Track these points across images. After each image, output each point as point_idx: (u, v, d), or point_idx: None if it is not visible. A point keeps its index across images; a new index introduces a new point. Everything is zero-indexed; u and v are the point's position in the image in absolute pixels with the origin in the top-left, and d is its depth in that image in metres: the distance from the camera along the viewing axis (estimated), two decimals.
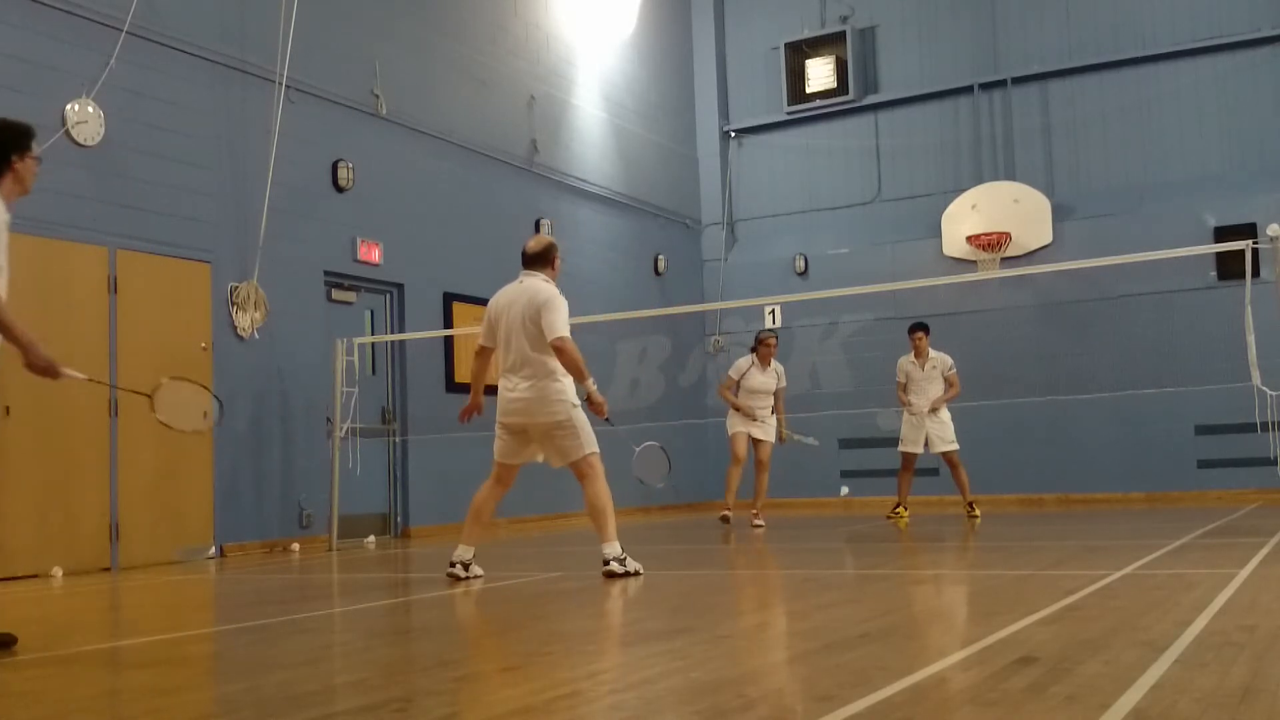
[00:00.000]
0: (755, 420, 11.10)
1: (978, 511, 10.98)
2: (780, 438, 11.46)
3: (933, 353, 11.08)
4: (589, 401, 6.70)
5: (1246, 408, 8.59)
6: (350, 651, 4.52)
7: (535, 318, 6.54)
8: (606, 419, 6.78)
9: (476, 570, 6.81)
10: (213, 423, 6.14)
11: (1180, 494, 13.54)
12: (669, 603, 5.59)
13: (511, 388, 6.68)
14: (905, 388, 11.08)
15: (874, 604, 5.22)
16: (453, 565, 6.76)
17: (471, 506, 6.89)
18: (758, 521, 11.07)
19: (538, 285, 6.72)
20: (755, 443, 11.22)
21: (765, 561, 8.07)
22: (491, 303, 6.92)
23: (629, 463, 7.32)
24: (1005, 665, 3.37)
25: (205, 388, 5.93)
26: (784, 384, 11.36)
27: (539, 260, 6.83)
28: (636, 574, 6.51)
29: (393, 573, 8.38)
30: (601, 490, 6.62)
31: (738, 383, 11.19)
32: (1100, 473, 14.10)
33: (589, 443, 6.62)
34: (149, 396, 5.27)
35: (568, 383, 6.60)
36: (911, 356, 11.11)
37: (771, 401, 11.25)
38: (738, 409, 11.13)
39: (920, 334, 11.11)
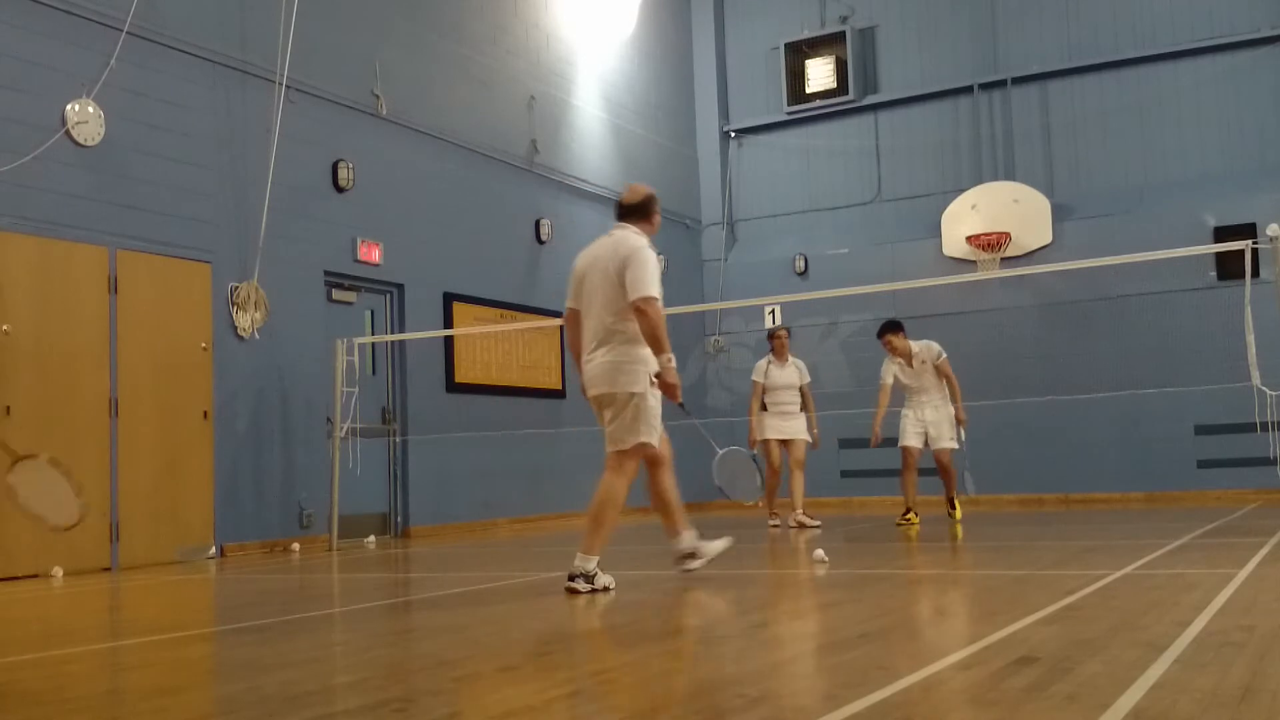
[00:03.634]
0: (779, 422, 10.71)
1: (959, 513, 10.47)
2: (813, 441, 10.93)
3: (916, 346, 10.21)
4: (660, 379, 5.80)
5: (1246, 408, 8.59)
6: (351, 651, 4.52)
7: (620, 272, 5.77)
8: (680, 404, 5.94)
9: (604, 580, 5.80)
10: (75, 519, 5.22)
11: (1180, 494, 13.54)
12: (669, 602, 5.59)
13: (590, 358, 5.90)
14: (887, 392, 10.34)
15: (874, 604, 5.22)
16: (570, 578, 5.77)
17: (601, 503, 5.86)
18: (812, 522, 10.63)
19: (626, 236, 5.97)
20: (786, 444, 10.77)
21: (765, 561, 8.07)
22: (577, 260, 6.14)
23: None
24: (1005, 665, 3.37)
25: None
26: (808, 379, 10.95)
27: (634, 212, 6.12)
28: (606, 590, 5.71)
29: (393, 573, 8.38)
30: (620, 491, 5.74)
31: (763, 385, 10.74)
32: (1100, 473, 14.11)
33: (646, 433, 5.75)
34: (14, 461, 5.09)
35: (649, 356, 5.79)
36: (894, 357, 10.30)
37: (796, 398, 10.83)
38: (753, 416, 10.69)
39: (890, 336, 10.20)
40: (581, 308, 6.03)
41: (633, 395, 5.78)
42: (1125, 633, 3.89)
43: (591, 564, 5.73)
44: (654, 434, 5.85)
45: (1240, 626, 3.94)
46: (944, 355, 10.22)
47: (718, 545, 6.31)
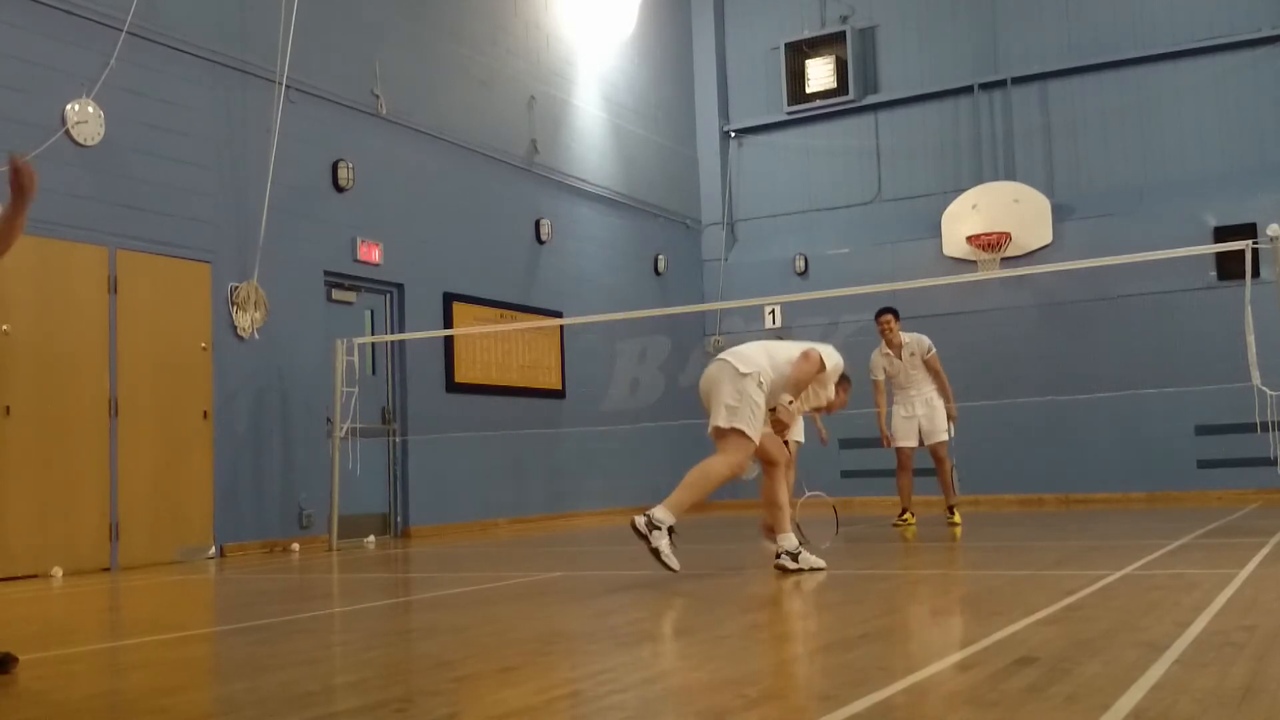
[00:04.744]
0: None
1: (958, 518, 10.16)
2: (822, 438, 10.93)
3: (907, 337, 10.05)
4: (773, 411, 6.33)
5: (1246, 408, 8.60)
6: (350, 652, 4.52)
7: (805, 351, 6.38)
8: (785, 441, 6.54)
9: (665, 545, 6.08)
10: None
11: (1180, 494, 13.54)
12: (669, 603, 5.59)
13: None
14: (881, 389, 10.23)
15: (874, 604, 5.22)
16: (778, 556, 6.40)
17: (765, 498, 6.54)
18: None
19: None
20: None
21: (764, 562, 8.06)
22: None
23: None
24: (1005, 665, 3.37)
25: None
26: None
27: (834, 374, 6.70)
28: (655, 552, 5.97)
29: (393, 573, 8.38)
30: (715, 470, 6.11)
31: None
32: (1100, 473, 14.10)
33: (743, 420, 6.10)
34: None
35: (771, 374, 6.27)
36: (883, 347, 10.12)
37: None
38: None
39: (887, 317, 10.03)
40: None
41: (737, 372, 6.19)
42: (1125, 633, 3.89)
43: (666, 519, 6.01)
44: (754, 429, 6.15)
45: (1241, 627, 3.94)
46: (934, 350, 10.06)
47: (815, 560, 6.45)
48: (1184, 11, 14.64)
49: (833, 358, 6.52)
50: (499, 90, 13.56)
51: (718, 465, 6.14)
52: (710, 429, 6.29)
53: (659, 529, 5.97)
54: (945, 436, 10.11)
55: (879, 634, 4.23)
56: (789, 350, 6.47)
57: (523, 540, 10.92)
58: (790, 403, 6.28)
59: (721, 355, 6.43)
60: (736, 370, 6.24)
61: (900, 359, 10.10)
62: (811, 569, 6.37)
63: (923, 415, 10.10)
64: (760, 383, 6.22)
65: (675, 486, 6.19)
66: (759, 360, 6.30)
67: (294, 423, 10.61)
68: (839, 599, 5.55)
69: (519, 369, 13.48)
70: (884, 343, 10.20)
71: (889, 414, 10.36)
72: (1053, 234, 14.70)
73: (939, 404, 10.07)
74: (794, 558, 6.38)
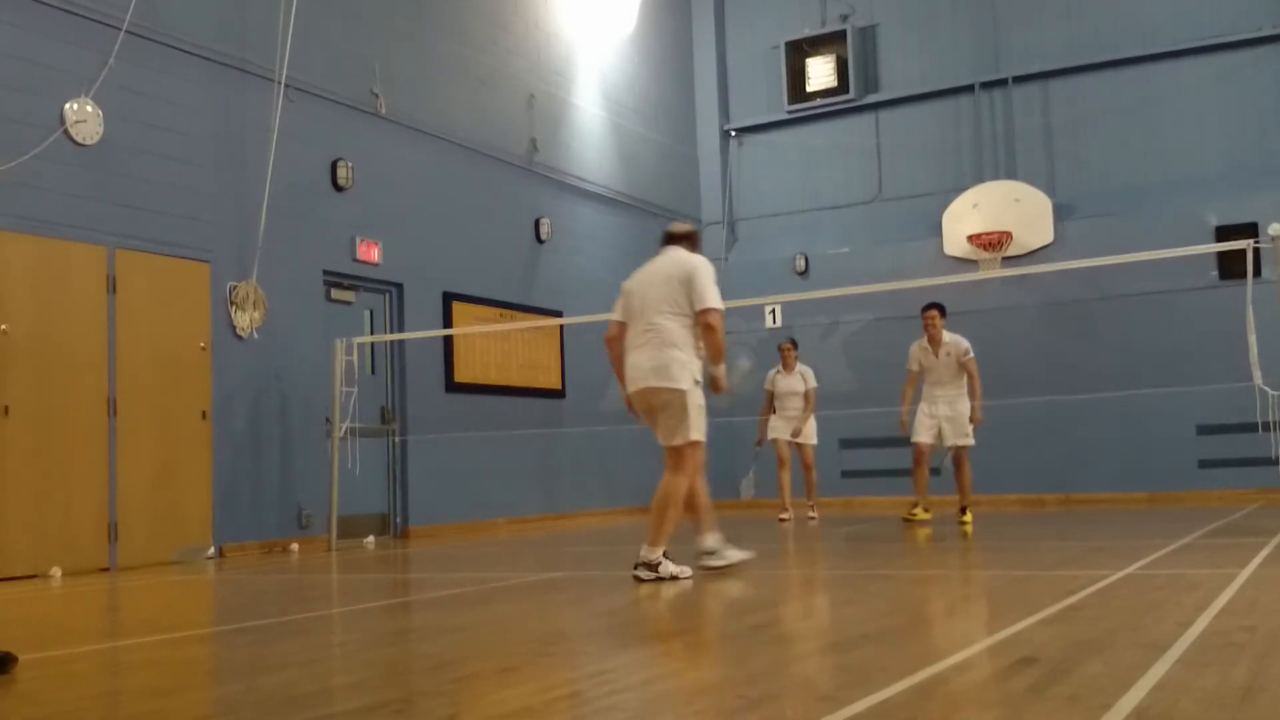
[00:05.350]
0: (788, 424, 11.78)
1: (969, 517, 10.19)
2: (794, 432, 11.77)
3: (948, 336, 10.21)
4: (712, 382, 6.26)
5: (1248, 407, 8.59)
6: (349, 652, 4.52)
7: (683, 280, 6.17)
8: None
9: (671, 569, 6.17)
10: None
11: (1182, 494, 13.52)
12: (669, 603, 5.58)
13: (634, 360, 6.27)
14: (914, 380, 10.33)
15: (874, 604, 5.21)
16: (635, 566, 6.20)
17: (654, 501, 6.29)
18: (811, 514, 11.88)
19: (684, 253, 6.37)
20: (796, 446, 11.78)
21: (765, 562, 8.05)
22: (626, 283, 6.58)
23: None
24: (1006, 666, 3.36)
25: None
26: (813, 385, 11.79)
27: (683, 239, 6.53)
28: (675, 579, 6.11)
29: (392, 573, 8.37)
30: (677, 488, 6.14)
31: (770, 391, 11.89)
32: (1101, 473, 14.08)
33: (695, 430, 6.15)
34: None
35: (692, 357, 6.19)
36: (923, 341, 10.31)
37: (801, 402, 11.78)
38: (763, 418, 11.94)
39: (933, 313, 10.20)
40: (629, 321, 6.40)
41: (678, 392, 6.12)
42: (1127, 633, 3.88)
43: (655, 554, 6.13)
44: (701, 431, 6.21)
45: (1242, 627, 3.93)
46: (971, 353, 10.20)
47: (739, 554, 6.50)
48: (1184, 11, 14.62)
49: (717, 296, 6.22)
50: (499, 89, 13.54)
51: (679, 483, 6.18)
52: (667, 447, 6.27)
53: (661, 564, 6.15)
54: (968, 441, 10.27)
55: (879, 634, 4.22)
56: (676, 309, 6.17)
57: (522, 540, 10.91)
58: (726, 371, 6.32)
59: (649, 380, 6.16)
60: (677, 389, 6.11)
61: (937, 356, 10.25)
62: (729, 563, 6.41)
63: (945, 417, 10.25)
64: (696, 380, 6.18)
65: (703, 488, 6.40)
66: (679, 358, 6.12)
67: (293, 423, 10.60)
68: (839, 599, 5.54)
69: (519, 369, 13.47)
70: (925, 337, 10.36)
71: (914, 410, 10.46)
72: (1054, 233, 14.69)
73: (964, 409, 10.21)
74: (713, 554, 6.41)
